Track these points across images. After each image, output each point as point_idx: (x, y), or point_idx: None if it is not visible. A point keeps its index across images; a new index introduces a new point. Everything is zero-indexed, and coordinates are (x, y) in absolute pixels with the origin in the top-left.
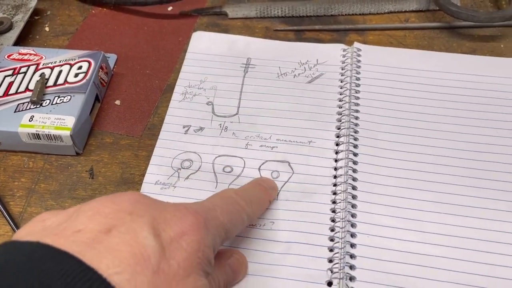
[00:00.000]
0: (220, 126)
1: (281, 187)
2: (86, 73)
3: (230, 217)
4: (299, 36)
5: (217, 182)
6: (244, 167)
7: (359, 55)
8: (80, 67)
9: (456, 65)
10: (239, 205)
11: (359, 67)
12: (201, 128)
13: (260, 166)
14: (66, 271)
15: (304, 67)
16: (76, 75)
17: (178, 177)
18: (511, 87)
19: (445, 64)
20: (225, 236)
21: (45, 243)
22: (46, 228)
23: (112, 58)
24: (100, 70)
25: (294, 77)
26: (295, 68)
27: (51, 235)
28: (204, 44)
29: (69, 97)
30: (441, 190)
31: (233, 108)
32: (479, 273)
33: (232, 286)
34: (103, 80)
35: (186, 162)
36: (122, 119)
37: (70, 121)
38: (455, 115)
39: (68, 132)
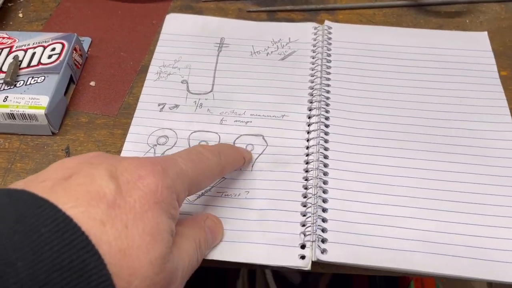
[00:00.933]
0: (195, 103)
1: (256, 159)
2: (59, 54)
3: (193, 164)
4: (272, 16)
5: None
6: (219, 142)
7: (329, 33)
8: (53, 49)
9: (424, 39)
10: (203, 155)
11: (330, 44)
12: (176, 106)
13: (235, 140)
14: (25, 201)
15: (277, 45)
16: (50, 56)
17: (154, 153)
18: (476, 59)
19: (413, 39)
20: (191, 182)
21: (13, 188)
22: (23, 181)
23: (86, 41)
24: (74, 51)
25: (267, 55)
26: (268, 47)
27: (21, 186)
28: (178, 26)
29: (43, 77)
30: (408, 156)
31: (208, 85)
32: (444, 231)
33: (211, 247)
34: (77, 62)
35: (162, 139)
36: (97, 99)
37: (44, 100)
38: (422, 86)
39: (42, 111)
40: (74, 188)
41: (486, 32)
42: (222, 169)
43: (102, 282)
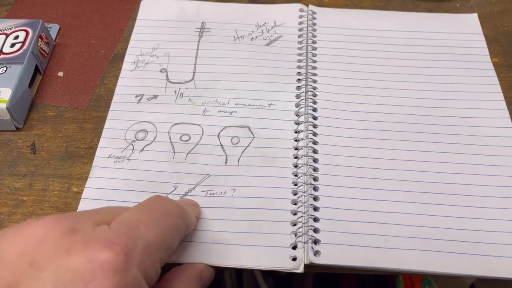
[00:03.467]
0: (175, 93)
1: (242, 153)
2: (23, 43)
3: (160, 226)
4: (254, 0)
5: (174, 152)
6: (202, 135)
7: (314, 18)
8: (16, 37)
9: (412, 23)
10: (162, 211)
11: (315, 30)
12: (155, 96)
13: (219, 133)
14: None
15: (262, 30)
16: (13, 45)
17: (133, 149)
18: (467, 42)
19: (401, 22)
20: (163, 251)
21: None
22: None
23: (54, 28)
24: (40, 39)
25: (251, 40)
26: (252, 31)
27: None
28: (154, 11)
29: (4, 68)
30: (399, 147)
31: (189, 74)
32: (436, 226)
33: None
34: (43, 50)
35: (141, 133)
36: (65, 91)
37: (6, 93)
38: (412, 72)
39: (4, 105)
40: None
41: (476, 14)
42: (186, 226)
43: None
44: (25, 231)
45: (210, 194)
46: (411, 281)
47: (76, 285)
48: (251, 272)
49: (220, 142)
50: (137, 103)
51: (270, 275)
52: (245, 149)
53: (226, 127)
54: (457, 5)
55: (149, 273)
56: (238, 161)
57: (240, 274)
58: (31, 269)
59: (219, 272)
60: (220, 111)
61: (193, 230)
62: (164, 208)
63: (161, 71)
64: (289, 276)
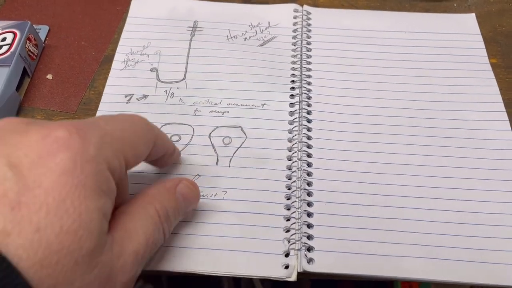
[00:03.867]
0: (166, 93)
1: (234, 153)
2: (10, 45)
3: (121, 125)
4: (247, 0)
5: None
6: (193, 135)
7: (309, 18)
8: (4, 39)
9: (408, 23)
10: (130, 116)
11: (309, 30)
12: (145, 96)
13: (210, 133)
14: None
15: (256, 30)
16: (0, 47)
17: None
18: (464, 43)
19: (397, 23)
20: (122, 146)
21: None
22: None
23: (43, 29)
24: (28, 41)
25: (245, 40)
26: (246, 31)
27: None
28: (145, 9)
29: None
30: (395, 151)
31: (180, 73)
32: (433, 232)
33: (185, 214)
34: (32, 52)
35: None
36: (54, 94)
37: None
38: (408, 74)
39: None
40: None
41: (473, 14)
42: (156, 136)
43: None
44: None
45: (200, 196)
46: (409, 284)
47: (31, 156)
48: None
49: (211, 142)
50: (127, 103)
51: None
52: (237, 149)
53: (217, 127)
54: (455, 5)
55: (111, 162)
56: (230, 162)
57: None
58: None
59: None
60: (211, 111)
61: (182, 234)
62: (129, 116)
63: (151, 70)
64: None
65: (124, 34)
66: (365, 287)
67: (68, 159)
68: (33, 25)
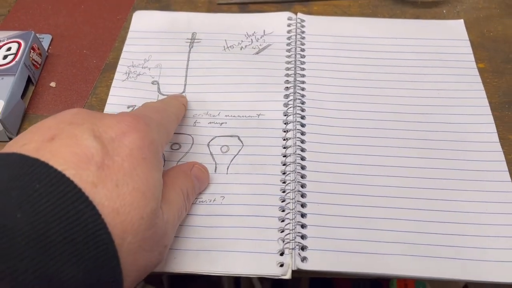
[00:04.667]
0: None
1: (231, 161)
2: (15, 54)
3: (160, 116)
4: (244, 9)
5: (164, 161)
6: (192, 144)
7: (303, 26)
8: (9, 49)
9: (399, 30)
10: (160, 106)
11: (303, 38)
12: None
13: (209, 142)
14: (16, 162)
15: (251, 39)
16: (5, 57)
17: None
18: (453, 48)
19: (388, 30)
20: (167, 133)
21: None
22: (5, 147)
23: (46, 38)
24: (32, 51)
25: (241, 49)
26: (242, 40)
27: (4, 151)
28: (146, 23)
29: None
30: (386, 154)
31: (180, 85)
32: (422, 231)
33: (198, 193)
34: (35, 61)
35: None
36: (58, 102)
37: None
38: (399, 79)
39: None
40: (59, 150)
41: (462, 20)
42: (177, 119)
43: (99, 229)
44: (61, 112)
45: (199, 202)
46: (405, 283)
47: (109, 133)
48: None
49: (210, 151)
50: None
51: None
52: (234, 157)
53: (216, 136)
54: (444, 11)
55: (163, 146)
56: (228, 169)
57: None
58: (70, 125)
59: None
60: (210, 122)
61: (182, 237)
62: (160, 105)
63: (152, 83)
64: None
65: (126, 48)
66: (362, 285)
67: (138, 139)
68: (37, 35)
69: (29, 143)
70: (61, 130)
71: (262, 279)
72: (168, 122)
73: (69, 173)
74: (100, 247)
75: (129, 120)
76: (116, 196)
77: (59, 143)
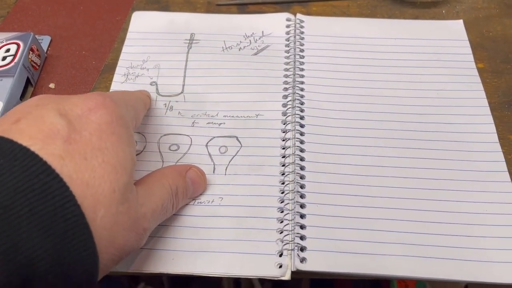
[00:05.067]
0: (165, 106)
1: (229, 162)
2: (14, 55)
3: (129, 97)
4: (242, 10)
5: (163, 162)
6: (191, 144)
7: (302, 26)
8: (8, 50)
9: (398, 30)
10: (127, 92)
11: (302, 38)
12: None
13: (207, 143)
14: None
15: (250, 40)
16: (4, 58)
17: None
18: (452, 48)
19: (387, 30)
20: (135, 113)
21: None
22: None
23: (45, 40)
24: (31, 52)
25: (239, 50)
26: (240, 41)
27: None
28: (144, 24)
29: None
30: (385, 154)
31: (178, 86)
32: (421, 232)
33: (191, 197)
34: (34, 63)
35: None
36: None
37: None
38: (398, 79)
39: None
40: (25, 129)
41: (461, 20)
42: (144, 103)
43: (67, 202)
44: (28, 99)
45: (198, 202)
46: (405, 284)
47: (75, 111)
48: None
49: (208, 152)
50: None
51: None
52: (232, 158)
53: (214, 137)
54: (443, 11)
55: (131, 123)
56: (226, 170)
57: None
58: (37, 107)
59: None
60: (208, 123)
61: (180, 238)
62: (124, 92)
63: (151, 84)
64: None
65: (124, 49)
66: (362, 286)
67: (106, 114)
68: (36, 36)
69: None
70: (27, 112)
71: (263, 280)
72: (136, 103)
73: (35, 147)
74: (70, 219)
75: (95, 97)
76: (84, 169)
77: (25, 124)
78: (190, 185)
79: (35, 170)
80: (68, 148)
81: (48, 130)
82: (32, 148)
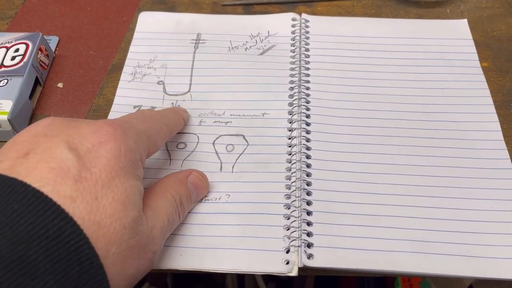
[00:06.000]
0: (172, 105)
1: (236, 159)
2: (23, 55)
3: (148, 124)
4: (248, 10)
5: (170, 159)
6: (198, 143)
7: (307, 26)
8: (17, 50)
9: (403, 30)
10: (153, 116)
11: (308, 38)
12: (153, 108)
13: (214, 141)
14: None
15: (256, 40)
16: (13, 58)
17: None
18: (457, 47)
19: (392, 29)
20: (149, 142)
21: None
22: None
23: (53, 40)
24: (39, 52)
25: (245, 50)
26: (246, 41)
27: None
28: (151, 24)
29: (5, 80)
30: (391, 152)
31: (185, 85)
32: (428, 228)
33: (196, 202)
34: (43, 62)
35: None
36: (65, 102)
37: (7, 105)
38: (403, 78)
39: (5, 117)
40: (35, 166)
41: (466, 20)
42: (170, 131)
43: (81, 245)
44: (34, 124)
45: (205, 200)
46: (410, 283)
47: (85, 145)
48: (252, 275)
49: (215, 150)
50: None
51: (271, 278)
52: (239, 156)
53: (221, 135)
54: (448, 11)
55: (142, 155)
56: (233, 167)
57: (241, 277)
58: (45, 138)
59: (222, 276)
60: (215, 122)
61: (188, 235)
62: (150, 115)
63: (158, 83)
64: (290, 279)
65: (131, 49)
66: (367, 285)
67: (115, 148)
68: (44, 36)
69: (4, 161)
70: (35, 144)
71: (267, 280)
72: (155, 132)
73: (46, 189)
74: (84, 262)
75: (106, 129)
76: (96, 209)
77: (34, 159)
78: (192, 190)
79: (49, 215)
80: (79, 188)
81: (58, 168)
82: (44, 190)
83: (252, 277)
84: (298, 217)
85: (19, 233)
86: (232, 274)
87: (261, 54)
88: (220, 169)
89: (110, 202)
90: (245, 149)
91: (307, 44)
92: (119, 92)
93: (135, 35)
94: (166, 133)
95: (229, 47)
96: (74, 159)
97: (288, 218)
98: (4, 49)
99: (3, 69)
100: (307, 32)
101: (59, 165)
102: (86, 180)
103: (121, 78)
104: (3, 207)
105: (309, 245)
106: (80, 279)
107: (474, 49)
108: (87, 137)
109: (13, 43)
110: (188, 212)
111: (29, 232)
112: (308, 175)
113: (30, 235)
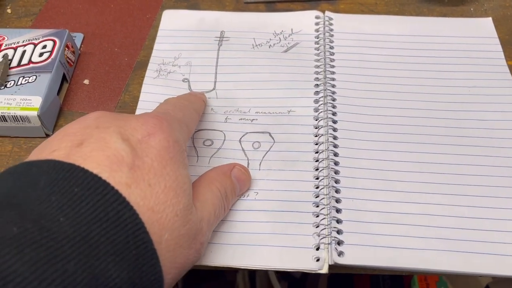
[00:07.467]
0: None
1: (263, 157)
2: (51, 52)
3: (182, 113)
4: (270, 8)
5: (198, 156)
6: (224, 140)
7: (331, 24)
8: (44, 46)
9: (427, 28)
10: (183, 104)
11: (332, 35)
12: None
13: (240, 138)
14: (52, 167)
15: (279, 37)
16: (41, 54)
17: None
18: (482, 46)
19: (416, 27)
20: (188, 130)
21: (37, 159)
22: (33, 154)
23: (78, 37)
24: (66, 49)
25: (269, 47)
26: (270, 39)
27: (33, 158)
28: (175, 22)
29: (34, 77)
30: (419, 150)
31: (210, 83)
32: (458, 227)
33: (239, 195)
34: (69, 59)
35: None
36: (92, 98)
37: (36, 101)
38: (429, 76)
39: (35, 113)
40: (90, 154)
41: (490, 18)
42: (198, 115)
43: (138, 229)
44: (83, 117)
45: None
46: (427, 283)
47: (136, 136)
48: (264, 274)
49: (242, 147)
50: None
51: (284, 276)
52: (266, 153)
53: (247, 132)
54: (471, 9)
55: (184, 143)
56: (260, 165)
57: (253, 276)
58: (98, 129)
59: (232, 274)
60: (241, 119)
61: (218, 232)
62: (182, 102)
63: (183, 80)
64: (303, 278)
65: (156, 46)
66: (382, 284)
67: (164, 139)
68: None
69: (59, 150)
70: (88, 134)
71: (279, 279)
72: (190, 119)
73: (104, 175)
74: (140, 246)
75: (153, 122)
76: (150, 195)
77: (89, 148)
78: (236, 184)
79: (108, 198)
80: (133, 175)
81: (113, 156)
82: (101, 176)
83: (265, 275)
84: (327, 214)
85: (81, 215)
86: (243, 272)
87: (285, 51)
88: (247, 166)
89: (162, 189)
90: (271, 147)
91: (331, 41)
92: (144, 88)
93: (159, 32)
94: (197, 118)
95: (253, 45)
96: (128, 149)
97: (317, 216)
98: (32, 46)
99: (31, 65)
100: (331, 30)
101: (114, 153)
102: (139, 168)
103: (146, 75)
104: (63, 190)
105: (339, 243)
106: (137, 262)
107: (499, 48)
108: (136, 129)
109: (41, 39)
110: None
111: (91, 215)
112: (336, 172)
113: (91, 218)
